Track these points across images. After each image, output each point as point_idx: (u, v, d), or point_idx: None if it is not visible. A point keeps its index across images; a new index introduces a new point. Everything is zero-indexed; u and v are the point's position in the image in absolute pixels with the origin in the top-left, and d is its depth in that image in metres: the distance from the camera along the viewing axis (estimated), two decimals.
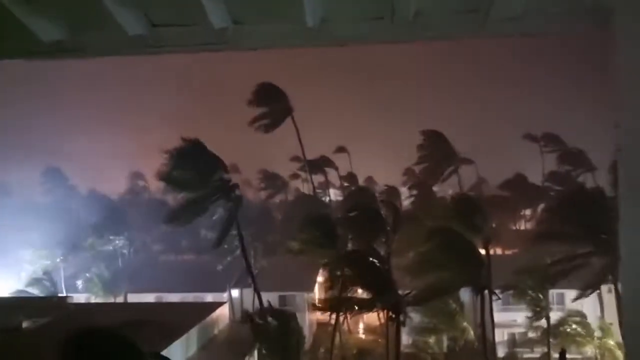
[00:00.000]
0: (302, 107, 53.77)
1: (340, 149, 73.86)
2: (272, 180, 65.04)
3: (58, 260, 40.06)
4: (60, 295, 37.23)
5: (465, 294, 35.38)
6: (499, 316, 33.62)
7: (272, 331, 28.37)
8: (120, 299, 40.01)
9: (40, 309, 27.85)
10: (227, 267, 41.40)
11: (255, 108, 49.75)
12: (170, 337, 24.16)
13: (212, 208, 31.27)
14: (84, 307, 32.45)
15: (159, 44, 3.23)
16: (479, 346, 34.24)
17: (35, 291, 37.05)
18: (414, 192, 56.18)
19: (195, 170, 29.82)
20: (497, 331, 33.47)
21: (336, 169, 68.83)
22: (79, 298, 37.72)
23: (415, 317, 35.46)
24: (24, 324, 25.80)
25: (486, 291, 30.56)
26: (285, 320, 28.50)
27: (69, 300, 32.71)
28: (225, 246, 37.58)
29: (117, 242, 41.51)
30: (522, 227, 58.35)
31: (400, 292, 28.56)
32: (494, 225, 41.52)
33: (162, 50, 3.32)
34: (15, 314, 26.15)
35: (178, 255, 48.94)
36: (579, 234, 26.57)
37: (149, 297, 39.23)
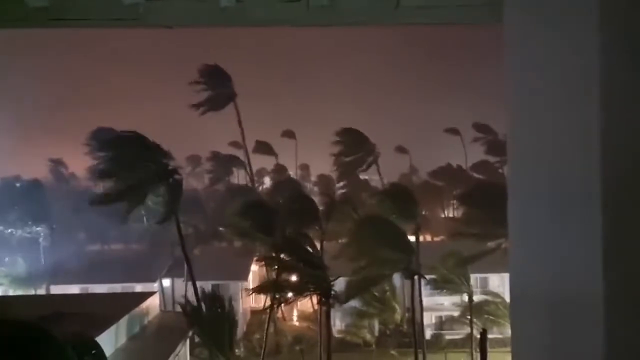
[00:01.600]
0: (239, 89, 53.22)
1: (287, 134, 73.70)
2: (222, 164, 63.28)
3: None
4: None
5: (396, 279, 36.58)
6: (427, 300, 35.07)
7: (204, 318, 28.25)
8: (41, 292, 38.05)
9: None
10: (158, 255, 40.41)
11: (197, 91, 49.22)
12: (97, 328, 23.35)
13: (151, 193, 31.19)
14: (0, 300, 30.67)
15: (63, 17, 3.06)
16: (408, 329, 35.57)
17: None
18: (344, 181, 57.32)
19: (129, 156, 29.82)
20: (425, 314, 34.92)
21: (276, 156, 68.57)
22: None
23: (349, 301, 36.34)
24: None
25: (416, 276, 31.81)
26: (218, 305, 28.44)
27: None
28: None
29: (36, 231, 39.29)
30: (451, 215, 60.85)
31: (330, 277, 29.18)
32: (424, 212, 43.02)
33: (66, 24, 3.15)
34: None
35: (105, 245, 47.12)
36: (492, 220, 28.13)
37: (74, 289, 37.59)
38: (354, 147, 52.25)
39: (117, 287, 37.45)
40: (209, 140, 69.11)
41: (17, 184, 46.51)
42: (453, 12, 3.89)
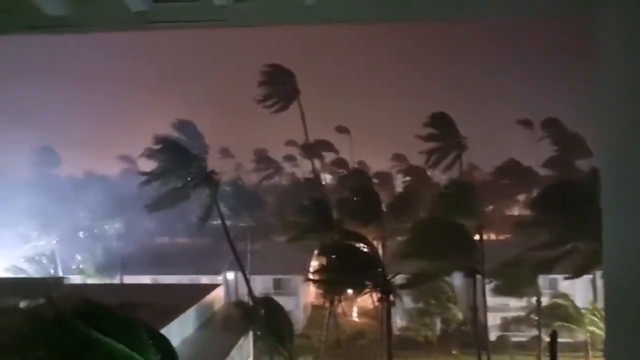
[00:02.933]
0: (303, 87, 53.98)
1: (341, 129, 73.95)
2: (266, 163, 65.20)
3: (54, 241, 40.18)
4: (56, 276, 37.42)
5: (458, 278, 35.82)
6: (491, 300, 34.05)
7: (261, 315, 28.79)
8: (115, 281, 40.20)
9: (37, 289, 27.97)
10: (223, 249, 41.54)
11: (263, 89, 50.71)
12: (167, 318, 24.37)
13: (194, 194, 32.87)
14: (80, 288, 32.64)
15: (159, 20, 3.26)
16: (470, 329, 34.76)
17: (32, 271, 37.26)
18: (407, 177, 56.44)
19: (172, 161, 31.47)
20: (489, 315, 33.91)
21: (336, 152, 68.99)
22: (75, 279, 37.89)
23: (408, 300, 35.98)
24: (21, 304, 25.95)
25: (478, 275, 30.94)
26: (273, 308, 28.92)
27: (65, 281, 32.84)
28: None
29: (112, 224, 41.59)
30: (517, 213, 58.69)
31: (389, 275, 28.93)
32: (487, 210, 41.81)
33: (161, 26, 3.36)
34: (12, 294, 26.27)
35: (173, 238, 49.06)
36: (568, 221, 26.79)
37: (145, 279, 39.42)
38: (443, 135, 44.47)
39: (184, 279, 38.96)
40: (269, 137, 70.53)
41: (93, 180, 49.34)
42: (534, 3, 3.78)
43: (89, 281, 38.91)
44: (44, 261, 38.34)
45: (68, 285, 31.76)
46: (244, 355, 30.20)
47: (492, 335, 35.60)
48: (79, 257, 40.49)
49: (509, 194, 55.43)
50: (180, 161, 32.49)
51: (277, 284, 40.77)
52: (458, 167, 47.33)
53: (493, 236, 47.69)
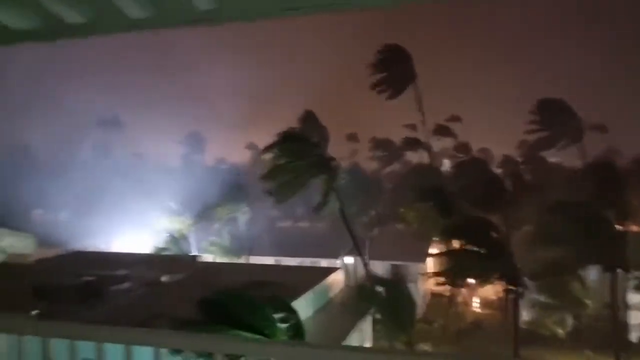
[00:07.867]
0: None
1: (454, 118, 71.39)
2: (385, 148, 64.27)
3: (189, 223, 43.61)
4: (191, 254, 40.66)
5: (594, 271, 33.07)
6: (635, 298, 31.06)
7: (381, 299, 28.72)
8: (242, 261, 42.66)
9: (176, 266, 30.68)
10: (341, 234, 42.21)
11: (377, 73, 47.65)
12: (290, 297, 25.26)
13: (314, 182, 32.47)
14: (212, 266, 35.09)
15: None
16: (608, 328, 31.98)
17: (171, 249, 40.86)
18: (529, 164, 52.96)
19: (294, 156, 31.45)
20: (633, 314, 30.99)
21: (455, 137, 66.82)
22: (207, 258, 40.84)
23: (534, 292, 33.96)
24: (163, 278, 28.60)
25: (619, 270, 28.33)
26: (395, 288, 28.65)
27: (199, 259, 35.55)
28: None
29: (239, 209, 44.15)
30: None
31: (518, 265, 27.39)
32: (631, 198, 37.97)
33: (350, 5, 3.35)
34: (155, 269, 29.02)
35: (293, 223, 50.84)
36: None
37: (268, 260, 41.34)
38: (553, 120, 42.94)
39: (305, 261, 40.23)
40: (384, 121, 69.94)
41: (223, 167, 52.69)
42: None
43: (218, 260, 41.73)
44: (181, 244, 41.79)
45: (201, 263, 34.38)
46: (363, 338, 30.49)
47: (634, 337, 32.47)
48: (209, 238, 43.61)
49: None
50: (299, 151, 32.11)
51: (395, 270, 40.63)
52: (581, 151, 44.23)
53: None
